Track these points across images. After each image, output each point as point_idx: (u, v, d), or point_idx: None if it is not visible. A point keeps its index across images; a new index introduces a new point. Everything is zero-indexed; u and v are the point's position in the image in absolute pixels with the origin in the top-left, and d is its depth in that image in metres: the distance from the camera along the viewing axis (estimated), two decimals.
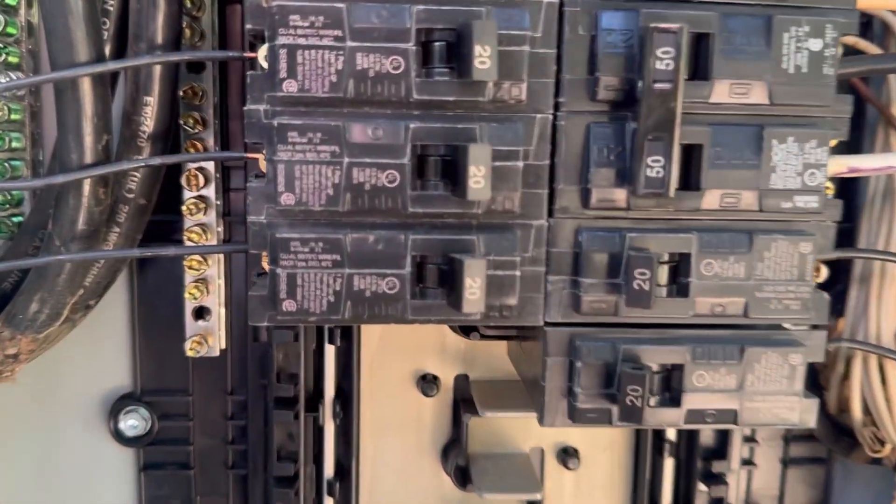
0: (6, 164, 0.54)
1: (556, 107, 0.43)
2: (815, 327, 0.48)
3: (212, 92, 0.53)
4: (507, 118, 0.43)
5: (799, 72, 0.42)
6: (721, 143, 0.43)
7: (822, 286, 0.53)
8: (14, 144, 0.54)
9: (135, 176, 0.50)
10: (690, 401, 0.45)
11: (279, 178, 0.42)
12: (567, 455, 0.64)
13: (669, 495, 0.63)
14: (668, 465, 0.62)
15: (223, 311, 0.57)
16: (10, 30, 0.53)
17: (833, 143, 0.44)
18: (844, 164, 0.50)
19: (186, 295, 0.56)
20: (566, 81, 0.43)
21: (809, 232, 0.44)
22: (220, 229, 0.56)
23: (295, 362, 0.58)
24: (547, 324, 0.45)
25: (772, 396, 0.45)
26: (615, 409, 0.44)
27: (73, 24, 0.43)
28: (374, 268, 0.43)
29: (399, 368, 0.62)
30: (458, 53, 0.41)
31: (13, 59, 0.54)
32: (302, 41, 0.41)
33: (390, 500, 0.64)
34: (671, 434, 0.62)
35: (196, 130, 0.53)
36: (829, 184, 0.51)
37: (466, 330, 0.57)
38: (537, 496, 0.59)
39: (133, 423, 0.61)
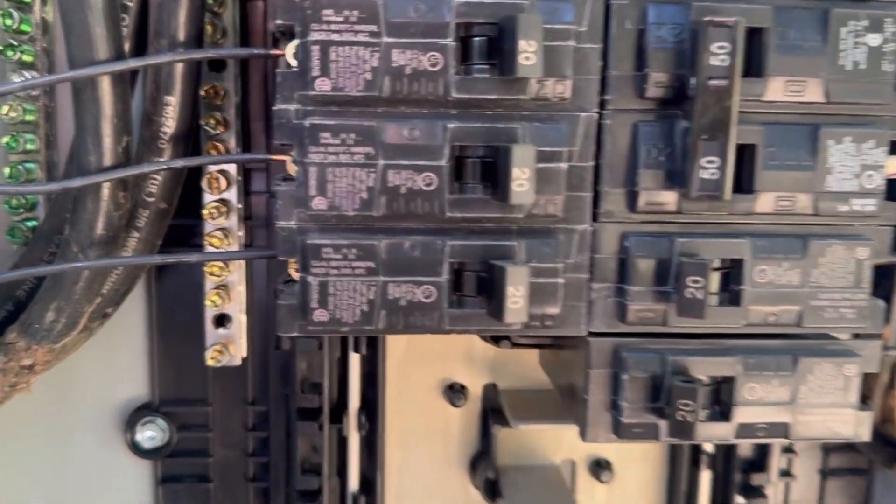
0: (20, 167, 0.52)
1: (602, 105, 0.41)
2: (865, 336, 0.45)
3: (233, 91, 0.51)
4: (549, 117, 0.40)
5: (857, 68, 0.40)
6: (775, 143, 0.41)
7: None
8: (28, 146, 0.52)
9: (155, 179, 0.48)
10: (741, 414, 0.43)
11: (311, 181, 0.39)
12: (600, 467, 0.62)
13: None
14: (705, 477, 0.60)
15: (244, 318, 0.55)
16: (24, 27, 0.51)
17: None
18: None
19: (207, 302, 0.53)
20: (612, 78, 0.40)
21: (866, 236, 0.42)
22: (241, 233, 0.54)
23: (318, 371, 0.56)
24: (590, 334, 0.43)
25: (825, 409, 0.43)
26: (663, 424, 0.42)
27: (92, 20, 0.41)
28: (409, 275, 0.40)
29: (425, 377, 0.60)
30: (499, 49, 0.38)
31: (27, 58, 0.51)
32: (335, 37, 0.38)
33: None
34: (709, 445, 0.60)
35: (217, 131, 0.51)
36: None
37: (497, 337, 0.55)
38: None
39: (151, 434, 0.59)
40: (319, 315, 0.41)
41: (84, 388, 0.58)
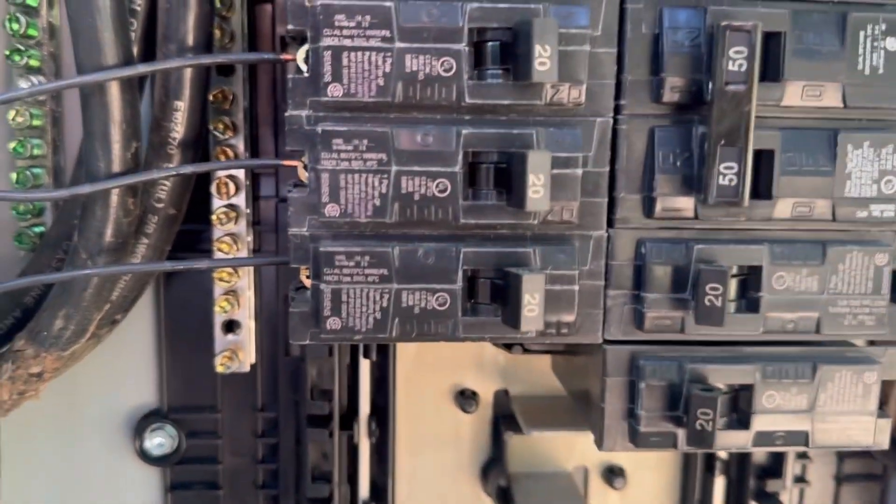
0: (27, 172, 0.51)
1: (617, 110, 0.40)
2: (884, 343, 0.45)
3: (242, 96, 0.51)
4: (564, 122, 0.40)
5: (875, 73, 0.40)
6: (793, 148, 0.40)
7: None
8: (35, 151, 0.52)
9: (164, 185, 0.48)
10: (760, 422, 0.42)
11: (323, 187, 0.39)
12: (613, 474, 0.61)
13: None
14: (719, 483, 0.60)
15: (253, 324, 0.55)
16: (31, 31, 0.51)
17: None
18: None
19: (216, 308, 0.53)
20: (628, 83, 0.40)
21: (885, 242, 0.41)
22: (250, 239, 0.53)
23: (329, 378, 0.56)
24: (606, 341, 0.42)
25: (845, 417, 0.43)
26: (681, 433, 0.42)
27: (100, 25, 0.40)
28: (423, 283, 0.40)
29: (436, 383, 0.60)
30: (513, 54, 0.38)
31: (34, 63, 0.51)
32: (347, 42, 0.38)
33: None
34: (723, 452, 0.59)
35: (226, 136, 0.51)
36: None
37: (508, 343, 0.55)
38: None
39: (160, 441, 0.59)
40: (332, 323, 0.40)
41: (93, 395, 0.58)
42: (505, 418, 0.59)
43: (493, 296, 0.41)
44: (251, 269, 0.54)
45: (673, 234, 0.41)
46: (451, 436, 0.60)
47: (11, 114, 0.51)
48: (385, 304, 0.40)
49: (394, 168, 0.39)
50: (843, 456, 0.63)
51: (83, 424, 0.58)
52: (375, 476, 0.58)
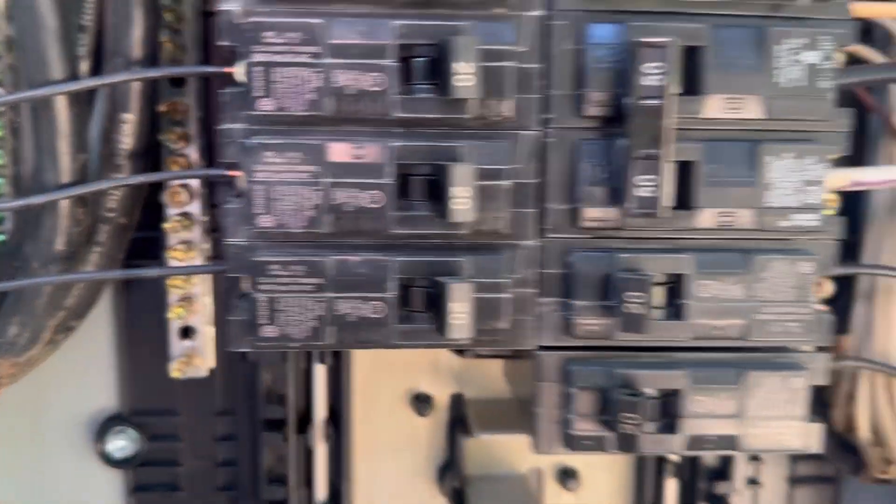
0: None
1: (545, 123, 0.41)
2: (819, 349, 0.46)
3: (195, 107, 0.52)
4: (493, 135, 0.41)
5: (794, 85, 0.41)
6: (715, 160, 0.41)
7: (829, 302, 0.51)
8: None
9: (114, 195, 0.49)
10: (689, 427, 0.43)
11: (257, 199, 0.40)
12: (567, 476, 0.62)
13: None
14: (671, 486, 0.61)
15: (211, 329, 0.56)
16: None
17: (832, 158, 0.42)
18: (847, 178, 0.49)
19: (171, 314, 0.54)
20: (554, 97, 0.41)
21: (809, 251, 0.42)
22: (207, 246, 0.54)
23: (283, 383, 0.56)
24: (540, 348, 0.43)
25: (774, 421, 0.44)
26: (611, 437, 0.43)
27: (46, 40, 0.42)
28: (357, 291, 0.41)
29: (392, 387, 0.61)
30: (439, 70, 0.39)
31: None
32: (278, 58, 0.39)
33: None
34: (674, 454, 0.60)
35: (179, 146, 0.52)
36: (832, 197, 0.49)
37: (460, 349, 0.56)
38: None
39: (121, 444, 0.60)
40: (268, 331, 0.41)
41: (55, 400, 0.59)
42: (460, 422, 0.60)
43: (428, 304, 0.42)
44: (209, 276, 0.55)
45: (600, 244, 0.42)
46: (407, 439, 0.61)
47: None
48: (321, 313, 0.41)
49: (326, 180, 0.40)
50: (795, 458, 0.63)
51: (46, 429, 0.59)
52: (333, 479, 0.59)
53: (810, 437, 0.44)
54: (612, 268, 0.42)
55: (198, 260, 0.53)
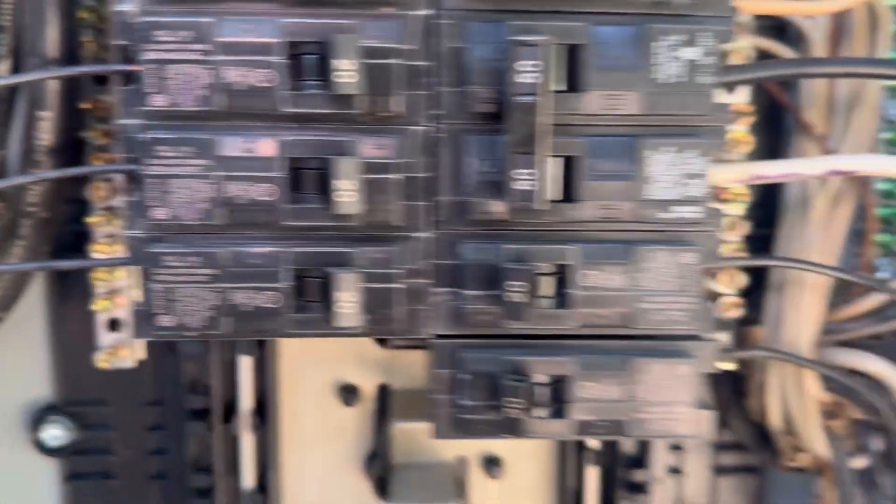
0: None
1: (436, 119, 0.43)
2: (708, 338, 0.47)
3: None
4: (383, 130, 0.42)
5: (673, 81, 0.42)
6: (597, 154, 0.43)
7: (744, 293, 0.53)
8: None
9: (34, 190, 0.50)
10: (578, 412, 0.45)
11: (151, 192, 0.42)
12: (491, 464, 0.64)
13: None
14: (592, 473, 0.62)
15: None
16: None
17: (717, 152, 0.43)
18: (748, 172, 0.50)
19: (96, 306, 0.55)
20: (442, 94, 0.42)
21: (692, 242, 0.44)
22: None
23: (207, 373, 0.58)
24: (436, 336, 0.45)
25: (660, 408, 0.45)
26: (500, 421, 0.44)
27: None
28: (252, 282, 0.43)
29: (319, 379, 0.62)
30: (324, 67, 0.40)
31: None
32: (170, 56, 0.41)
33: None
34: (594, 441, 0.62)
35: (102, 143, 0.53)
36: (742, 190, 0.51)
37: (382, 339, 0.57)
38: None
39: (55, 433, 0.61)
40: (166, 320, 0.43)
41: None
42: (386, 412, 0.61)
43: (321, 294, 0.43)
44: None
45: (489, 235, 0.43)
46: (334, 429, 0.63)
47: None
48: (216, 303, 0.43)
49: (219, 174, 0.42)
50: (719, 447, 0.65)
51: None
52: (260, 468, 0.61)
53: (699, 424, 0.45)
54: (499, 259, 0.43)
55: (122, 253, 0.54)
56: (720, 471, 0.66)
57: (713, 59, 0.42)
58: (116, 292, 0.55)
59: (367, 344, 0.62)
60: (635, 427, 0.45)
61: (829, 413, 0.59)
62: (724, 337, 0.58)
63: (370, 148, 0.42)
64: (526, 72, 0.39)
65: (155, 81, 0.41)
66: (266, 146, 0.42)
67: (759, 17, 0.57)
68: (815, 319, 0.56)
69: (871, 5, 0.57)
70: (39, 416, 0.61)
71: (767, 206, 0.60)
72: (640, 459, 0.64)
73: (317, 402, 0.62)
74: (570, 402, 0.44)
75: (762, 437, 0.62)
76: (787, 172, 0.50)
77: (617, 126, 0.43)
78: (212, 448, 0.60)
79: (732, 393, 0.62)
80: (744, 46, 0.55)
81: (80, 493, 0.62)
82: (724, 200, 0.56)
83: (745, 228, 0.56)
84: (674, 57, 0.42)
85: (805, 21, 0.57)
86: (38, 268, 0.51)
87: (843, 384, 0.56)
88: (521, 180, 0.40)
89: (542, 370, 0.44)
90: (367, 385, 0.63)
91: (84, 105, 0.52)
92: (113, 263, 0.51)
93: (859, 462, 0.59)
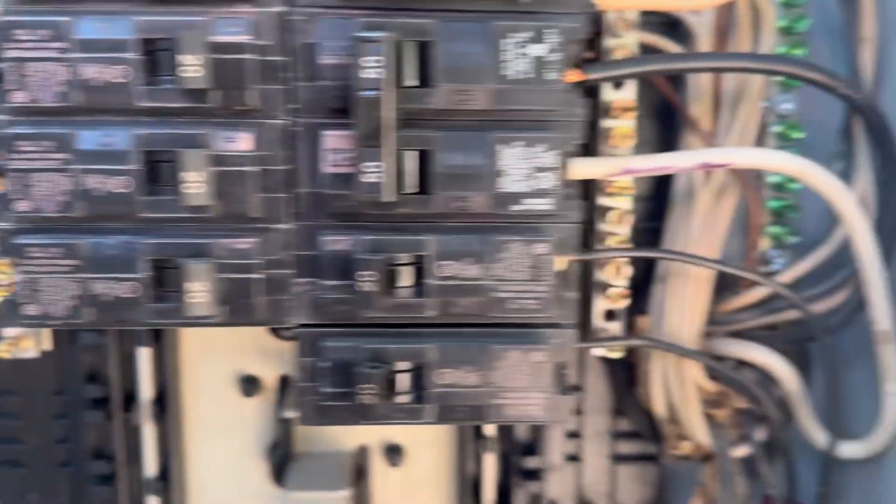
0: None
1: (294, 113, 0.44)
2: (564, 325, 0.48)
3: None
4: (240, 124, 0.43)
5: (522, 77, 0.43)
6: (450, 148, 0.44)
7: (632, 285, 0.54)
8: None
9: None
10: (438, 398, 0.46)
11: (14, 185, 0.43)
12: (392, 452, 0.65)
13: (493, 491, 0.64)
14: (490, 460, 0.63)
15: None
16: None
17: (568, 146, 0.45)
18: (619, 166, 0.51)
19: None
20: (297, 88, 0.44)
21: (545, 233, 0.45)
22: None
23: (106, 363, 0.59)
24: (301, 326, 0.46)
25: (517, 393, 0.46)
26: (359, 408, 0.45)
27: None
28: (112, 272, 0.44)
29: (221, 369, 0.63)
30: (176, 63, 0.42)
31: None
32: (29, 54, 0.42)
33: (216, 500, 0.65)
34: (490, 429, 0.63)
35: None
36: (627, 183, 0.52)
37: (275, 330, 0.59)
38: (343, 494, 0.60)
39: None
40: (30, 310, 0.44)
41: None
42: (288, 402, 0.62)
43: (180, 284, 0.44)
44: None
45: (346, 227, 0.45)
46: (237, 419, 0.64)
47: None
48: (78, 293, 0.44)
49: (77, 167, 0.43)
50: (617, 435, 0.66)
51: None
52: (162, 458, 0.62)
53: (555, 410, 0.46)
54: (356, 250, 0.44)
55: None
56: (619, 459, 0.67)
57: (560, 56, 0.43)
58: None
59: (269, 335, 0.63)
60: (493, 412, 0.46)
61: (714, 402, 0.60)
62: (615, 326, 0.59)
63: (224, 141, 0.43)
64: (369, 67, 0.40)
65: (16, 78, 0.42)
66: (122, 140, 0.42)
67: (646, 14, 0.58)
68: (698, 310, 0.58)
69: (753, 1, 0.58)
70: None
71: (660, 199, 0.62)
72: (532, 446, 0.65)
73: (219, 393, 0.64)
74: (429, 389, 0.46)
75: (654, 425, 0.63)
76: (658, 166, 0.51)
77: (469, 120, 0.44)
78: (112, 438, 0.61)
79: (626, 382, 0.63)
80: (629, 42, 0.56)
81: None
82: (610, 194, 0.57)
83: (631, 220, 0.57)
84: (521, 53, 0.43)
85: (691, 17, 0.58)
86: None
87: (725, 374, 0.57)
88: (369, 173, 0.41)
89: (400, 358, 0.45)
90: (269, 376, 0.64)
91: None
92: None
93: (742, 451, 0.60)
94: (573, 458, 0.66)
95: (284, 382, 0.64)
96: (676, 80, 0.60)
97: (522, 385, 0.46)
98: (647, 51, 0.59)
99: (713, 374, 0.58)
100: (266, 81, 0.43)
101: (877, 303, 0.54)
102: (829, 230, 0.59)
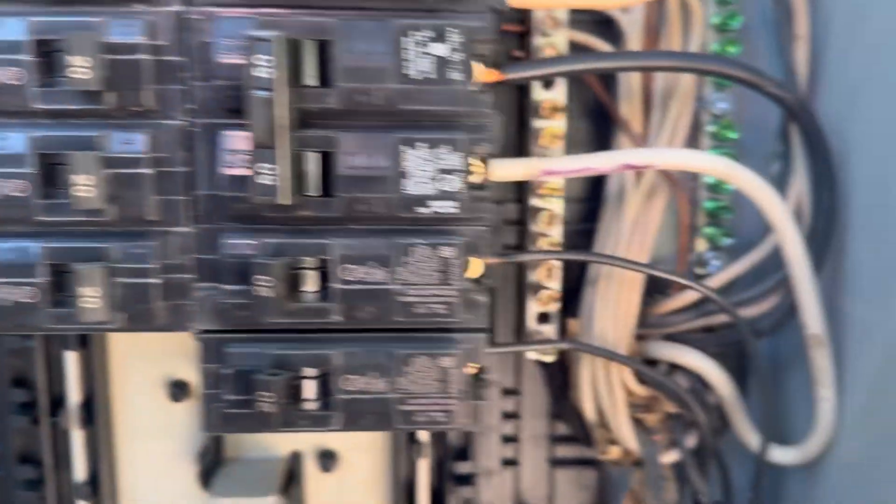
0: None
1: (192, 113, 0.43)
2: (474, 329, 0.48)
3: None
4: (136, 125, 0.43)
5: (424, 77, 0.42)
6: (351, 149, 0.43)
7: (567, 288, 0.53)
8: None
9: None
10: (344, 405, 0.45)
11: None
12: (326, 458, 0.64)
13: (427, 496, 0.63)
14: (423, 465, 0.62)
15: None
16: None
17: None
18: (538, 167, 0.50)
19: None
20: (193, 88, 0.43)
21: (452, 236, 0.44)
22: None
23: (32, 367, 0.58)
24: (201, 331, 0.45)
25: (426, 399, 0.45)
26: (260, 415, 0.44)
27: None
28: (9, 277, 0.43)
29: (150, 374, 0.62)
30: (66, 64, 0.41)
31: None
32: None
33: None
34: (424, 434, 0.62)
35: None
36: (556, 184, 0.51)
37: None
38: (270, 499, 0.59)
39: None
40: None
41: None
42: None
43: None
44: None
45: (246, 230, 0.44)
46: (169, 424, 0.63)
47: None
48: None
49: None
50: (555, 439, 0.65)
51: None
52: (91, 463, 0.61)
53: (463, 416, 0.46)
54: (256, 254, 0.43)
55: None
56: (557, 463, 0.66)
57: (463, 55, 0.43)
58: None
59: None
60: (402, 418, 0.46)
61: (644, 406, 0.59)
62: (548, 329, 0.59)
63: (119, 143, 0.42)
64: (261, 66, 0.40)
65: None
66: (17, 142, 0.42)
67: (577, 12, 0.58)
68: (628, 313, 0.57)
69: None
70: None
71: (594, 200, 0.61)
72: (467, 451, 0.64)
73: (149, 397, 0.63)
74: (335, 396, 0.45)
75: (588, 429, 0.62)
76: (578, 167, 0.50)
77: (372, 122, 0.43)
78: (38, 442, 0.60)
79: (562, 385, 0.62)
80: (557, 41, 0.56)
81: None
82: (541, 195, 0.57)
83: (560, 222, 0.56)
84: (423, 53, 0.42)
85: (621, 15, 0.58)
86: None
87: (653, 378, 0.56)
88: (264, 174, 0.41)
89: (305, 364, 0.44)
90: (199, 381, 0.63)
91: None
92: None
93: (671, 456, 0.60)
94: (511, 462, 0.65)
95: None
96: (608, 79, 0.59)
97: (431, 391, 0.45)
98: (578, 49, 0.58)
99: (642, 379, 0.57)
100: (162, 82, 0.43)
101: (807, 307, 0.53)
102: (766, 232, 0.58)
